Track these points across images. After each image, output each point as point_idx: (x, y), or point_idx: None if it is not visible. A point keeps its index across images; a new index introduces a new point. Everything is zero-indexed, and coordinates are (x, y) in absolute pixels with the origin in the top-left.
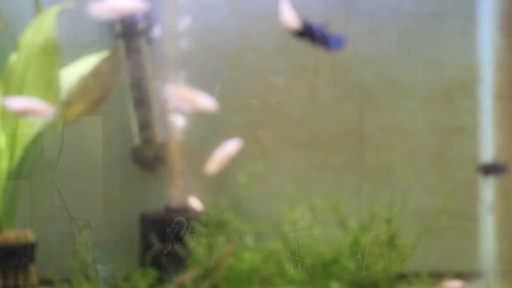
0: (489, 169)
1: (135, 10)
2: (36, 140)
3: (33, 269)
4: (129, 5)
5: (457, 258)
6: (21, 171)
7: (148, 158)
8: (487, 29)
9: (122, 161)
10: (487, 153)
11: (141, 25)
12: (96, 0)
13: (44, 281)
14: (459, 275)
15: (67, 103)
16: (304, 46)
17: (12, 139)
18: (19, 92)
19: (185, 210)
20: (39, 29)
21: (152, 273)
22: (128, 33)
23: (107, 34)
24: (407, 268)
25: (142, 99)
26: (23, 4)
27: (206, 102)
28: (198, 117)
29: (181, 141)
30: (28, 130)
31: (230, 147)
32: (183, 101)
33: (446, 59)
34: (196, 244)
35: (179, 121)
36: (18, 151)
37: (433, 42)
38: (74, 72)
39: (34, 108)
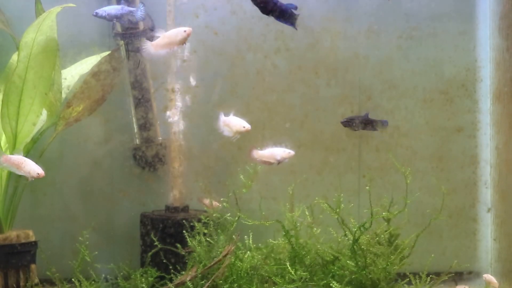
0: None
1: (184, 38)
2: (37, 140)
3: (34, 268)
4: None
5: (456, 258)
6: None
7: (148, 158)
8: (486, 29)
9: (122, 161)
10: (486, 152)
11: (141, 25)
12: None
13: (45, 280)
14: (457, 275)
15: (68, 103)
16: (303, 46)
17: (13, 139)
18: (20, 92)
19: (185, 209)
20: (40, 30)
21: (153, 272)
22: (128, 33)
23: (107, 34)
24: (407, 268)
25: (142, 99)
26: (24, 4)
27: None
28: (198, 117)
29: (181, 141)
30: (29, 130)
31: (282, 153)
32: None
33: (445, 59)
34: (196, 244)
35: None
36: (19, 151)
37: (432, 42)
38: (74, 72)
39: None
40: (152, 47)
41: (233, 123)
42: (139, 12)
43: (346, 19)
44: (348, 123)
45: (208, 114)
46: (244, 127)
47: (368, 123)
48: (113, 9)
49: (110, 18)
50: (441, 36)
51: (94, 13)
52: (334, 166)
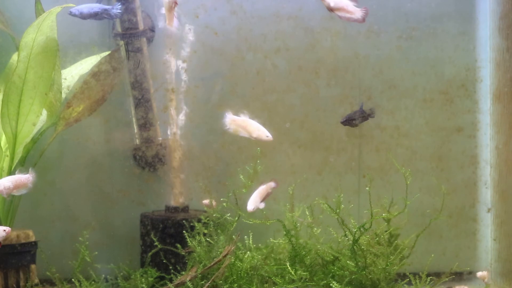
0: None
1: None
2: (37, 140)
3: (34, 268)
4: None
5: (456, 258)
6: (21, 171)
7: (148, 158)
8: (486, 29)
9: (122, 161)
10: (486, 152)
11: (141, 25)
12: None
13: (45, 280)
14: (457, 275)
15: (68, 104)
16: (303, 46)
17: (13, 139)
18: (20, 92)
19: (185, 209)
20: (40, 30)
21: (153, 273)
22: (128, 33)
23: (107, 34)
24: (407, 268)
25: (142, 99)
26: (24, 4)
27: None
28: (198, 117)
29: (181, 141)
30: (29, 130)
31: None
32: (241, 131)
33: (445, 59)
34: (196, 244)
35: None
36: (19, 151)
37: (432, 42)
38: (74, 73)
39: None
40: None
41: (252, 128)
42: (114, 10)
43: None
44: (348, 122)
45: (208, 114)
46: (267, 136)
47: (364, 116)
48: (85, 7)
49: (83, 17)
50: (441, 36)
51: (69, 12)
52: (334, 166)
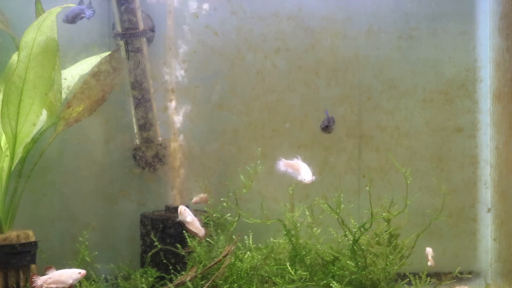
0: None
1: None
2: (37, 140)
3: (34, 268)
4: None
5: (456, 258)
6: (21, 171)
7: (148, 158)
8: (486, 29)
9: (122, 161)
10: (486, 152)
11: (141, 26)
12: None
13: None
14: (458, 275)
15: (68, 104)
16: (303, 46)
17: (13, 139)
18: (20, 92)
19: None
20: (40, 30)
21: (153, 273)
22: (128, 33)
23: (107, 34)
24: (407, 268)
25: (142, 99)
26: (24, 4)
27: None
28: (198, 117)
29: (181, 141)
30: (29, 130)
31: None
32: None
33: (445, 59)
34: (196, 244)
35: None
36: (19, 151)
37: (432, 42)
38: (74, 73)
39: None
40: None
41: (302, 169)
42: (89, 10)
43: (346, 19)
44: (327, 127)
45: (208, 114)
46: (304, 179)
47: (334, 121)
48: (69, 11)
49: (69, 21)
50: (441, 36)
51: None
52: (334, 166)
